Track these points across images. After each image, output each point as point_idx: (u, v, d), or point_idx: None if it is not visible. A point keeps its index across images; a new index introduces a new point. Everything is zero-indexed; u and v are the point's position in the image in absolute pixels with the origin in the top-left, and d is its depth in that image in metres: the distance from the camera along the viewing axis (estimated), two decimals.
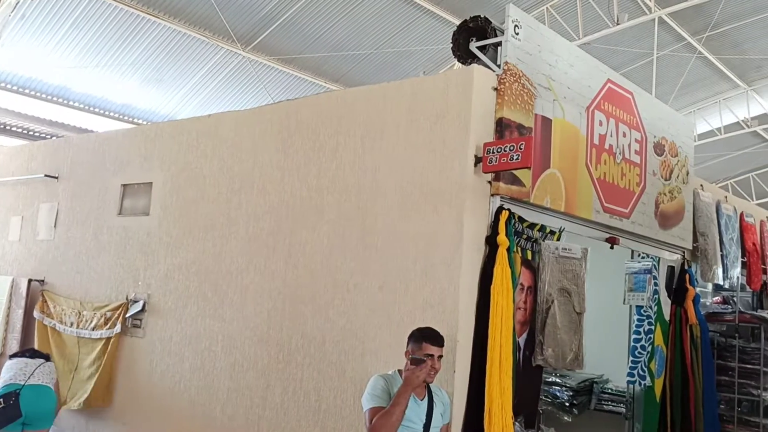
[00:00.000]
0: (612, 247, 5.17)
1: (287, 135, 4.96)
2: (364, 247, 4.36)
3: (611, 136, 5.14)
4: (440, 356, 3.45)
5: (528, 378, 4.28)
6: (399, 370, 3.57)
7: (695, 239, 6.25)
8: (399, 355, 3.62)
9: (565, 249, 4.45)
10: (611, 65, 5.31)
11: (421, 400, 3.47)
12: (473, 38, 4.44)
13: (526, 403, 4.24)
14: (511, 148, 3.89)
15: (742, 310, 6.46)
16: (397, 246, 4.20)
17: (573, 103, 4.76)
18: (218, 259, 5.21)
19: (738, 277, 6.80)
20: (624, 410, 5.67)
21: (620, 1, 11.85)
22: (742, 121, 16.47)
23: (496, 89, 4.17)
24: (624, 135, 5.31)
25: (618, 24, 11.83)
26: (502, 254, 4.00)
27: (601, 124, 5.04)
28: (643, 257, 5.55)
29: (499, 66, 4.25)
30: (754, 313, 6.45)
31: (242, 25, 11.32)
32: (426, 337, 3.46)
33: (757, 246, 7.39)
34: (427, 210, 4.11)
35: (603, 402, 6.09)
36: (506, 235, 4.03)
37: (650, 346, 5.42)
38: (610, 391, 6.08)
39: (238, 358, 4.93)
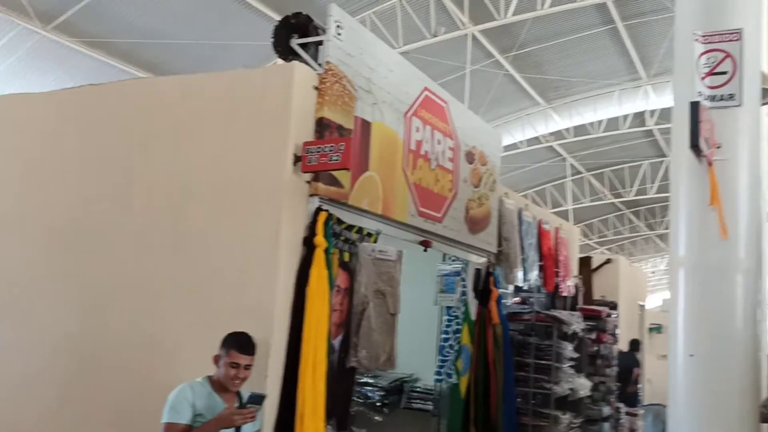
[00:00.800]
0: (425, 250, 5.33)
1: (89, 123, 4.55)
2: (175, 247, 4.11)
3: (427, 142, 5.30)
4: (248, 365, 3.33)
5: (341, 380, 4.26)
6: (209, 377, 3.39)
7: (499, 244, 6.63)
8: (210, 362, 3.43)
9: (381, 251, 4.50)
10: (428, 75, 5.49)
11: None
12: (295, 35, 4.35)
13: (338, 406, 4.22)
14: (331, 148, 3.85)
15: (539, 310, 6.98)
16: (212, 246, 4.00)
17: (392, 107, 4.84)
18: (5, 259, 4.66)
19: (535, 280, 7.34)
20: (432, 407, 5.88)
21: (437, 15, 12.39)
22: (541, 136, 17.93)
23: (317, 88, 4.12)
24: (439, 142, 5.50)
25: (435, 36, 12.36)
26: (319, 256, 3.95)
27: (418, 130, 5.17)
28: (453, 260, 5.79)
29: (320, 65, 4.20)
30: (548, 312, 6.99)
31: (42, 1, 10.32)
32: (234, 344, 3.32)
33: (552, 251, 8.02)
34: (244, 209, 3.96)
35: (412, 400, 6.26)
36: (324, 236, 3.99)
37: (457, 345, 5.67)
38: (419, 389, 6.27)
39: (30, 371, 4.42)
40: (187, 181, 4.15)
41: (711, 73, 3.02)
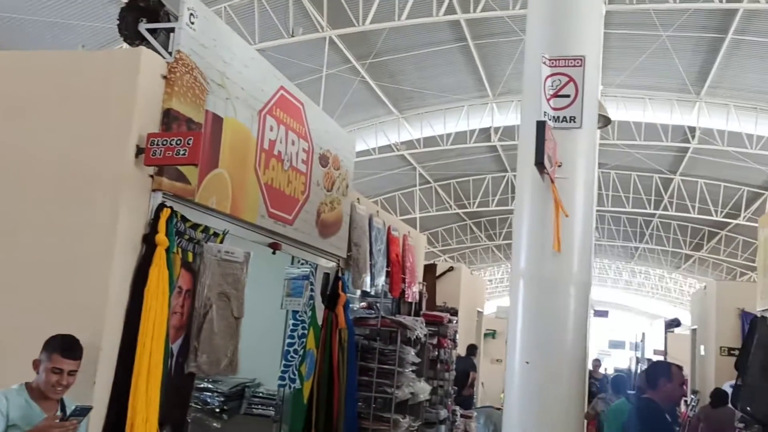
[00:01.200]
0: (274, 253, 5.21)
1: None
2: (1, 236, 3.71)
3: (281, 142, 5.19)
4: (73, 371, 3.05)
5: (179, 386, 4.04)
6: (27, 384, 3.08)
7: (349, 249, 6.65)
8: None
9: (228, 252, 4.34)
10: (285, 75, 5.39)
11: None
12: (143, 19, 4.09)
13: (174, 413, 4.00)
14: (178, 142, 3.64)
15: (384, 315, 7.07)
16: (40, 240, 3.65)
17: (246, 104, 4.68)
18: None
19: (382, 285, 7.45)
20: (273, 413, 5.75)
21: (296, 15, 12.29)
22: (393, 144, 18.33)
23: (165, 77, 3.89)
24: (293, 143, 5.41)
25: (293, 36, 12.24)
26: (160, 255, 3.72)
27: (272, 129, 5.05)
28: (302, 263, 5.71)
29: (170, 53, 3.97)
30: (394, 318, 7.10)
31: None
32: (57, 347, 3.04)
33: (399, 257, 8.19)
34: (79, 200, 3.65)
35: (253, 406, 6.10)
36: (166, 234, 3.76)
37: (302, 350, 5.60)
38: (261, 395, 6.13)
39: None
40: (15, 167, 3.77)
41: (555, 95, 3.20)
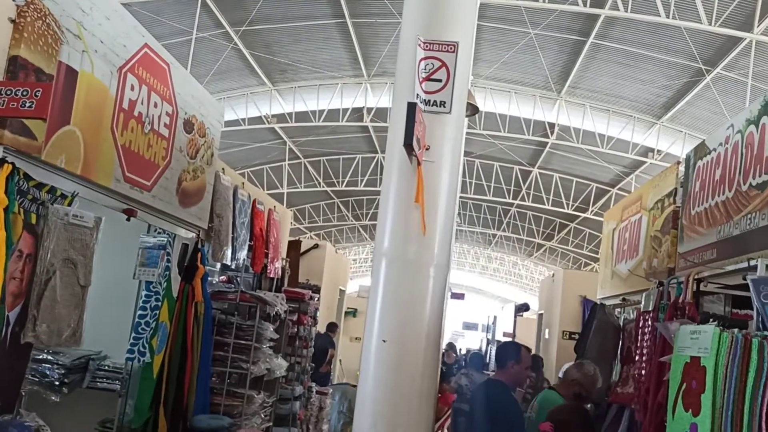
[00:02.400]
0: (129, 219, 4.93)
1: None
2: None
3: (142, 103, 4.91)
4: None
5: (13, 358, 3.74)
6: None
7: (211, 220, 6.43)
8: None
9: (76, 216, 4.05)
10: (152, 34, 5.08)
11: None
12: None
13: (6, 386, 3.71)
14: (25, 93, 3.33)
15: (244, 290, 6.93)
16: None
17: (105, 59, 4.37)
18: None
19: (244, 259, 7.28)
20: (119, 387, 5.48)
21: None
22: (264, 116, 17.97)
23: (13, 21, 3.55)
24: (156, 105, 5.13)
25: None
26: None
27: (133, 88, 4.76)
28: (159, 232, 5.46)
29: None
30: (253, 293, 6.98)
31: None
32: None
33: (263, 232, 8.04)
34: None
35: (98, 380, 5.76)
36: (6, 192, 3.45)
37: (155, 323, 5.36)
38: (107, 368, 5.80)
39: None
40: None
41: (427, 79, 3.23)
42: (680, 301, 3.51)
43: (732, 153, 5.10)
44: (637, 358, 4.24)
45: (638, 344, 4.21)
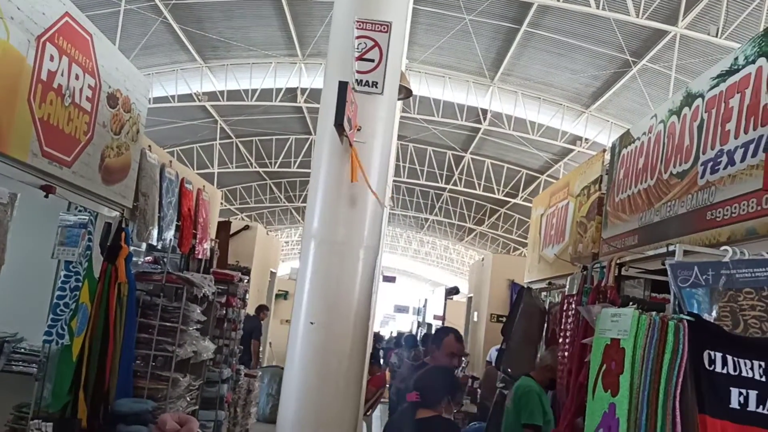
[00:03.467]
0: (47, 196, 4.71)
1: None
2: None
3: (62, 75, 4.68)
4: None
5: None
6: None
7: (136, 198, 6.22)
8: None
9: None
10: (75, 5, 4.84)
11: None
12: None
13: None
14: None
15: (170, 270, 6.75)
16: None
17: (22, 27, 4.14)
18: None
19: (171, 240, 7.09)
20: (36, 370, 5.27)
21: None
22: (194, 93, 17.51)
23: None
24: (77, 77, 4.90)
25: None
26: None
27: (52, 59, 4.52)
28: (80, 210, 5.25)
29: None
30: (180, 274, 6.80)
31: None
32: None
33: (192, 212, 7.85)
34: None
35: (13, 363, 5.55)
36: None
37: (74, 304, 5.17)
38: (23, 350, 5.59)
39: None
40: None
41: (360, 58, 3.19)
42: (602, 284, 3.61)
43: (654, 142, 5.28)
44: (561, 340, 4.34)
45: (562, 327, 4.32)
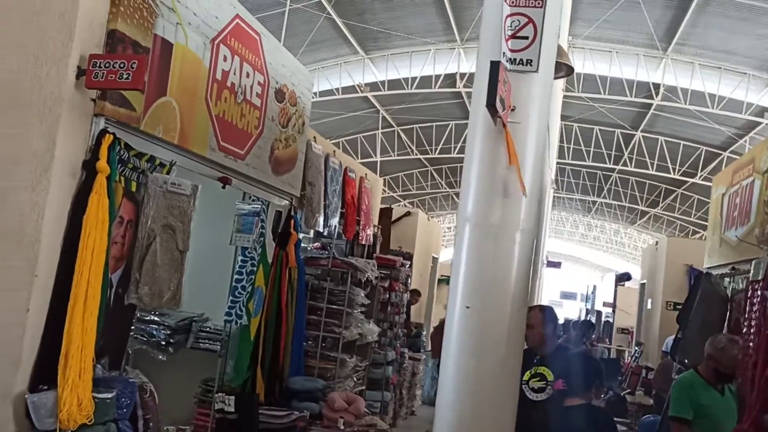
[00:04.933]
0: (224, 187, 5.09)
1: None
2: None
3: (234, 74, 5.02)
4: None
5: (118, 317, 3.97)
6: None
7: (303, 187, 6.55)
8: None
9: (175, 184, 4.22)
10: (246, 7, 5.17)
11: None
12: None
13: (113, 344, 3.94)
14: (122, 65, 3.47)
15: (336, 255, 7.04)
16: None
17: (198, 31, 4.49)
18: None
19: (336, 226, 7.40)
20: (219, 348, 5.73)
21: None
22: (357, 85, 18.04)
23: None
24: (248, 75, 5.23)
25: None
26: (100, 182, 3.58)
27: (225, 59, 4.87)
28: (253, 200, 5.61)
29: None
30: (345, 259, 7.08)
31: None
32: None
33: (355, 199, 8.13)
34: (11, 122, 3.46)
35: (200, 340, 6.04)
36: (108, 161, 3.62)
37: (251, 287, 5.55)
38: (208, 329, 6.07)
39: None
40: None
41: (513, 36, 3.11)
42: None
43: None
44: (744, 330, 3.99)
45: (746, 315, 3.97)
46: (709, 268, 8.08)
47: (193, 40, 4.43)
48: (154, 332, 5.85)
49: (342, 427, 5.59)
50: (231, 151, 5.05)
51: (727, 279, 6.53)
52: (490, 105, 2.79)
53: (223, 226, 5.63)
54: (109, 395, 3.52)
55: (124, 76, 3.45)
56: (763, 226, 6.40)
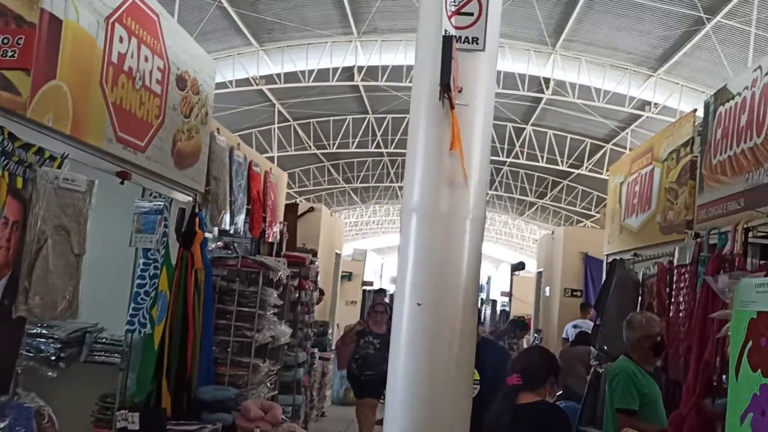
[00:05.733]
0: (122, 182, 4.61)
1: None
2: None
3: (132, 57, 4.54)
4: None
5: (4, 334, 3.46)
6: None
7: (208, 182, 6.11)
8: None
9: (67, 179, 3.73)
10: None
11: None
12: None
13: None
14: (5, 41, 3.01)
15: (245, 255, 6.64)
16: None
17: (90, 7, 4.00)
18: None
19: (242, 224, 6.98)
20: (119, 360, 5.22)
21: None
22: (252, 78, 17.46)
23: None
24: (146, 59, 4.76)
25: None
26: None
27: (122, 40, 4.39)
28: (155, 196, 5.14)
29: None
30: (255, 258, 6.69)
31: None
32: None
33: (261, 195, 7.73)
34: None
35: (96, 353, 5.49)
36: None
37: (154, 292, 5.07)
38: (104, 340, 5.52)
39: None
40: None
41: (458, 12, 2.90)
42: (727, 252, 3.26)
43: (761, 96, 4.83)
44: (671, 314, 4.00)
45: (671, 300, 3.98)
46: (610, 254, 8.31)
47: (85, 17, 3.95)
48: (42, 346, 5.26)
49: None
50: (130, 143, 4.58)
51: (638, 265, 6.65)
52: (444, 84, 2.57)
53: (122, 226, 5.12)
54: (1, 425, 3.04)
55: (9, 54, 2.99)
56: (666, 212, 6.59)
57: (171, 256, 5.34)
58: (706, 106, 5.92)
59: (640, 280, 5.81)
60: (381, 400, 7.49)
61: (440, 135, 2.82)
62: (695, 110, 6.32)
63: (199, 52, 5.94)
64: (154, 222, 5.00)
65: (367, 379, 7.64)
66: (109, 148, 4.33)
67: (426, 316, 2.78)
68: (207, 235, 6.24)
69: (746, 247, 3.25)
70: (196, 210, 5.76)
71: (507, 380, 3.17)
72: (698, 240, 3.84)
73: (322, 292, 11.70)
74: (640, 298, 5.75)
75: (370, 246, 35.91)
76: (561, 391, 6.71)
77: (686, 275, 3.75)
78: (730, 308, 3.01)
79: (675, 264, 4.02)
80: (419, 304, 2.77)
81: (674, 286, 3.96)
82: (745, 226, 3.34)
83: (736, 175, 5.09)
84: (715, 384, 3.09)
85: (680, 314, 3.84)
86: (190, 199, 5.79)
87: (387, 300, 9.77)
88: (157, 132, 4.98)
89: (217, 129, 6.45)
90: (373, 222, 42.66)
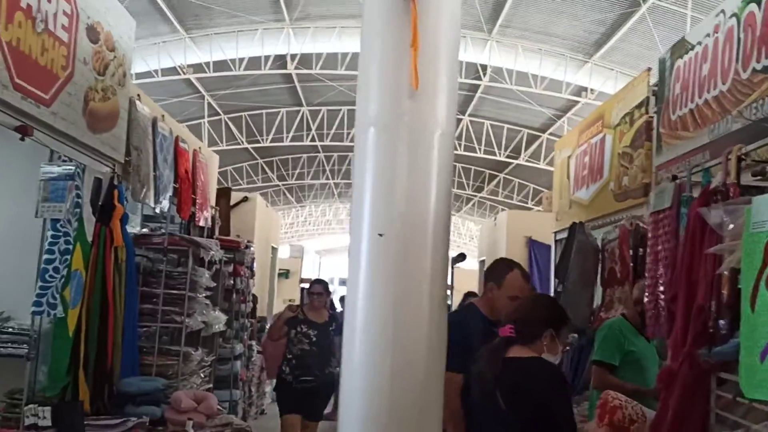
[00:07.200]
0: (23, 139, 3.98)
1: None
2: None
3: None
4: None
5: None
6: None
7: (128, 153, 5.50)
8: None
9: None
10: None
11: None
12: None
13: None
14: None
15: (172, 232, 6.02)
16: None
17: None
18: None
19: (168, 204, 6.37)
20: (26, 350, 4.54)
21: None
22: (179, 66, 16.63)
23: None
24: (49, 0, 4.14)
25: None
26: None
27: None
28: (64, 160, 4.49)
29: None
30: (184, 235, 6.09)
31: None
32: None
33: (189, 174, 7.13)
34: None
35: (0, 345, 4.82)
36: None
37: (66, 270, 4.41)
38: (11, 330, 4.83)
39: None
40: None
41: None
42: (720, 184, 2.93)
43: (725, 41, 4.57)
44: (649, 266, 3.66)
45: (649, 250, 3.64)
46: (558, 231, 8.05)
47: None
48: None
49: (191, 430, 4.65)
50: (31, 93, 3.95)
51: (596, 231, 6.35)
52: None
53: (23, 192, 4.46)
54: None
55: None
56: (620, 179, 6.34)
57: (87, 233, 4.71)
58: (662, 62, 5.67)
59: (600, 246, 5.51)
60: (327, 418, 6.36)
61: (399, 31, 2.35)
62: (649, 69, 6.08)
63: (114, 4, 5.32)
64: (64, 189, 4.35)
65: (304, 387, 5.74)
66: (5, 96, 3.71)
67: (389, 248, 2.30)
68: (130, 228, 5.61)
69: (739, 178, 2.93)
70: (115, 182, 5.14)
71: (499, 331, 2.69)
72: (678, 181, 3.51)
73: (255, 300, 11.08)
74: (600, 264, 5.45)
75: (307, 248, 35.24)
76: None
77: (665, 221, 3.41)
78: (728, 241, 2.67)
79: (651, 211, 3.69)
80: (380, 235, 2.29)
81: (651, 236, 3.63)
82: (738, 154, 3.01)
83: (699, 128, 4.85)
84: (711, 331, 2.74)
85: (659, 265, 3.51)
86: (108, 169, 5.16)
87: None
88: (64, 86, 4.36)
89: (138, 95, 5.82)
90: (309, 223, 41.98)
